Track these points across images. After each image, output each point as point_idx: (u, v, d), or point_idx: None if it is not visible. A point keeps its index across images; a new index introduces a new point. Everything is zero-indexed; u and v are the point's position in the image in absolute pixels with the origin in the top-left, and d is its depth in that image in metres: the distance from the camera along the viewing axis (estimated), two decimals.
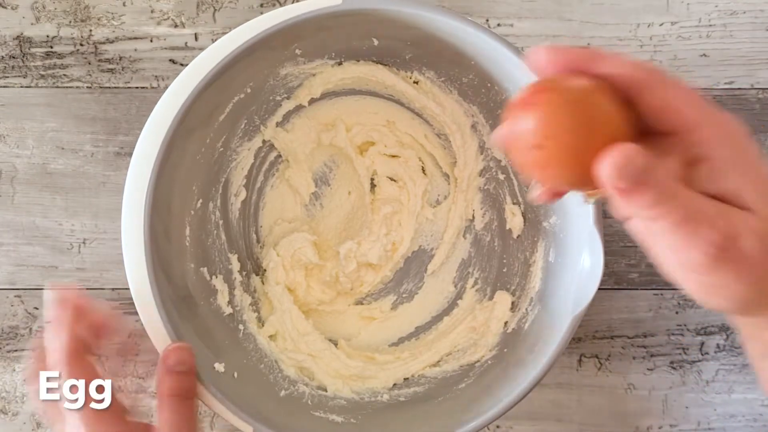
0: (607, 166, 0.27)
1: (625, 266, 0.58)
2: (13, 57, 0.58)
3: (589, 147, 0.28)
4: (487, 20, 0.58)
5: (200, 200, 0.53)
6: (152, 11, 0.58)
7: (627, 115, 0.29)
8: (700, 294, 0.31)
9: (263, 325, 0.55)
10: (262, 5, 0.58)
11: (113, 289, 0.58)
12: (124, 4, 0.58)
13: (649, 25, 0.58)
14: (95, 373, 0.41)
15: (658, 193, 0.28)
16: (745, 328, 0.34)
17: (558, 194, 0.33)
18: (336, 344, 0.56)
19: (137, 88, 0.58)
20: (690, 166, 0.30)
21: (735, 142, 0.30)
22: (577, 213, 0.48)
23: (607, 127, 0.28)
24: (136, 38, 0.58)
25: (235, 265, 0.55)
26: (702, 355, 0.58)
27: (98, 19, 0.58)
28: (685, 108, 0.29)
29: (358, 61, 0.54)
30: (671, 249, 0.30)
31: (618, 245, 0.58)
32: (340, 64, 0.54)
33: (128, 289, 0.47)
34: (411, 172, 0.58)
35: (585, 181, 0.29)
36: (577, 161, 0.28)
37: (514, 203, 0.56)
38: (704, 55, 0.58)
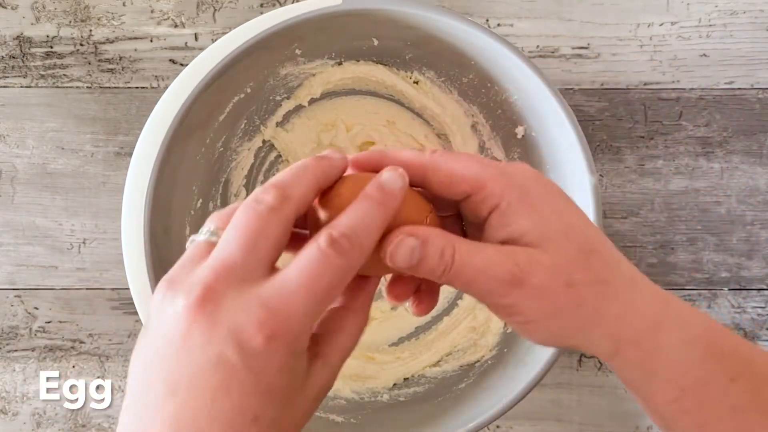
0: (387, 251, 0.30)
1: None
2: (13, 57, 0.58)
3: None
4: (487, 20, 0.58)
5: (200, 200, 0.53)
6: (152, 11, 0.58)
7: (415, 202, 0.32)
8: (520, 332, 0.33)
9: None
10: (262, 5, 0.58)
11: (113, 289, 0.58)
12: (124, 4, 0.58)
13: (649, 25, 0.58)
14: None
15: (436, 265, 0.31)
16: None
17: (401, 295, 0.35)
18: None
19: (137, 88, 0.58)
20: (485, 221, 0.32)
21: (517, 189, 0.32)
22: None
23: None
24: (136, 38, 0.58)
25: None
26: None
27: (98, 19, 0.58)
28: (466, 173, 0.32)
29: (358, 61, 0.54)
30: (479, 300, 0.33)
31: (618, 245, 0.58)
32: (340, 64, 0.54)
33: (128, 289, 0.47)
34: None
35: (378, 265, 0.31)
36: None
37: None
38: (704, 55, 0.58)
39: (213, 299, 0.27)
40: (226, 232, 0.28)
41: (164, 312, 0.28)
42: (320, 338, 0.31)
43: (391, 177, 0.31)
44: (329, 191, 0.32)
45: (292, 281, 0.27)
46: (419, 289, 0.35)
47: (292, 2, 0.56)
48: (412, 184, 0.33)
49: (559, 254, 0.31)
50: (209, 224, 0.30)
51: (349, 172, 0.33)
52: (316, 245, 0.28)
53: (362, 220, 0.29)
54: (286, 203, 0.29)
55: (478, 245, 0.32)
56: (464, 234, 0.35)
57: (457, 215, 0.35)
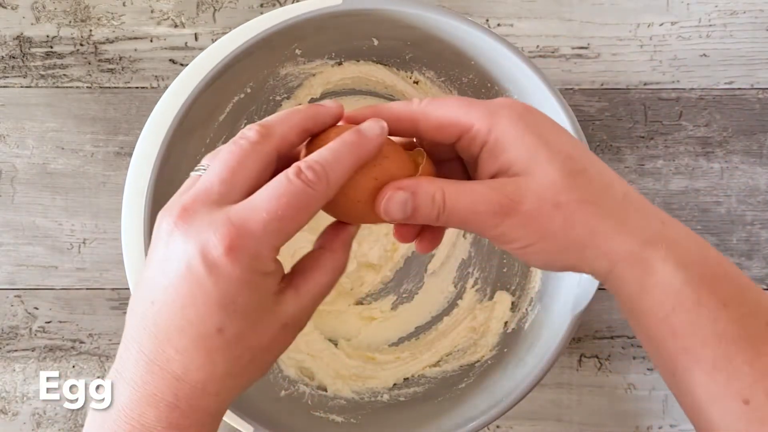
0: (381, 208, 0.32)
1: None
2: (13, 57, 0.58)
3: (357, 186, 0.33)
4: (487, 20, 0.58)
5: None
6: (152, 11, 0.58)
7: (403, 156, 0.34)
8: (519, 257, 0.35)
9: None
10: (262, 5, 0.58)
11: (113, 289, 0.58)
12: (124, 4, 0.58)
13: (649, 25, 0.58)
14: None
15: (429, 211, 0.32)
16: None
17: (407, 236, 0.37)
18: (336, 344, 0.56)
19: (137, 88, 0.58)
20: (477, 157, 0.34)
21: (503, 123, 0.33)
22: None
23: (372, 169, 0.33)
24: (136, 38, 0.58)
25: None
26: None
27: (98, 19, 0.58)
28: (454, 116, 0.33)
29: (358, 61, 0.54)
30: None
31: None
32: (340, 64, 0.54)
33: (128, 289, 0.47)
34: None
35: (373, 216, 0.33)
36: (348, 197, 0.33)
37: None
38: (704, 55, 0.58)
39: (188, 217, 0.29)
40: (211, 164, 0.31)
41: (154, 235, 0.31)
42: (295, 272, 0.33)
43: (369, 124, 0.32)
44: (317, 137, 0.33)
45: (257, 202, 0.29)
46: (422, 228, 0.36)
47: (292, 2, 0.56)
48: (405, 135, 0.34)
49: (546, 178, 0.32)
50: (203, 161, 0.32)
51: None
52: (285, 174, 0.30)
53: (332, 156, 0.31)
54: (268, 139, 0.31)
55: (466, 184, 0.33)
56: (467, 177, 0.36)
57: (459, 159, 0.36)
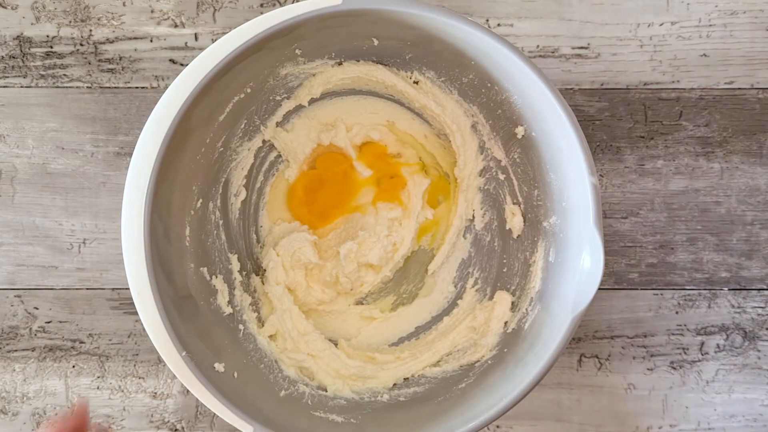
0: None
1: (625, 266, 0.58)
2: (13, 57, 0.58)
3: None
4: (487, 20, 0.58)
5: (200, 200, 0.53)
6: (152, 11, 0.58)
7: None
8: None
9: (263, 325, 0.55)
10: (262, 5, 0.58)
11: (113, 289, 0.58)
12: (124, 4, 0.58)
13: (649, 25, 0.58)
14: None
15: None
16: None
17: None
18: (336, 344, 0.56)
19: (137, 88, 0.58)
20: None
21: None
22: (577, 213, 0.48)
23: None
24: (136, 38, 0.58)
25: (235, 265, 0.55)
26: (702, 355, 0.58)
27: (98, 19, 0.58)
28: None
29: (358, 61, 0.54)
30: None
31: (618, 245, 0.58)
32: (340, 64, 0.54)
33: (128, 289, 0.47)
34: (411, 171, 0.58)
35: None
36: None
37: (514, 203, 0.56)
38: (704, 55, 0.58)
39: None
40: None
41: None
42: None
43: None
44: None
45: None
46: None
47: (292, 2, 0.56)
48: None
49: None
50: None
51: None
52: None
53: None
54: None
55: None
56: None
57: None
